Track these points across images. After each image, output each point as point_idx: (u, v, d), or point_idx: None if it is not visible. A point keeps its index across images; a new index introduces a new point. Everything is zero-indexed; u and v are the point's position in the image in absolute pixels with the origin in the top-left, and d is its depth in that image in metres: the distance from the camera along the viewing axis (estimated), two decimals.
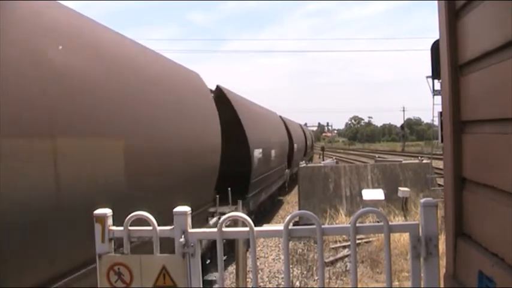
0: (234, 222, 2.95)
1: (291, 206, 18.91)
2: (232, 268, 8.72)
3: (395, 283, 7.15)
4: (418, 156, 20.95)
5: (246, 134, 11.73)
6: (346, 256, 9.69)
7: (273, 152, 15.60)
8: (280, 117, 22.79)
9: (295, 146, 24.34)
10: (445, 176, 2.49)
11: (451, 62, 2.32)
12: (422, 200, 2.39)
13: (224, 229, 2.45)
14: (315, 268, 9.11)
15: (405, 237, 7.37)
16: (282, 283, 8.46)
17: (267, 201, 16.22)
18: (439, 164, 16.88)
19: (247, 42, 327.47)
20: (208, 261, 8.14)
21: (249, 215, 3.46)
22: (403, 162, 15.85)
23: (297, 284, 8.47)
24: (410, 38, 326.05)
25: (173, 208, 2.47)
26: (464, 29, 2.22)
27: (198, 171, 7.31)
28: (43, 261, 3.42)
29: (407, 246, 2.86)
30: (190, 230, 2.47)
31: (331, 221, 12.21)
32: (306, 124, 62.38)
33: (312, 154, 44.34)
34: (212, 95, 10.19)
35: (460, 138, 2.29)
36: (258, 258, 9.66)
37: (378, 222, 2.54)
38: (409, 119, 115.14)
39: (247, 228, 2.43)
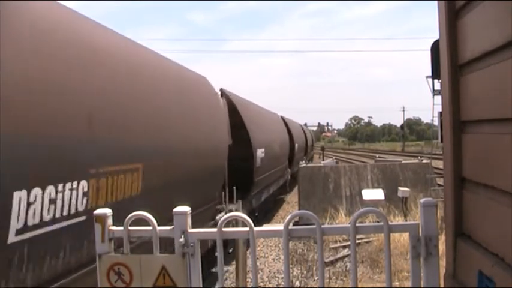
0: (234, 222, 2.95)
1: (291, 206, 18.90)
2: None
3: (396, 283, 7.16)
4: (418, 156, 20.94)
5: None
6: (346, 256, 9.69)
7: None
8: (223, 92, 11.25)
9: (260, 155, 12.66)
10: (445, 176, 2.49)
11: (451, 62, 2.32)
12: (422, 200, 2.39)
13: (224, 229, 2.46)
14: (315, 268, 9.11)
15: (405, 237, 7.37)
16: (282, 283, 8.46)
17: None
18: (439, 164, 16.87)
19: (247, 42, 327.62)
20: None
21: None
22: (403, 162, 15.85)
23: (297, 284, 8.47)
24: (410, 38, 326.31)
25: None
26: (464, 29, 2.22)
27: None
28: None
29: (408, 246, 2.86)
30: (190, 230, 2.47)
31: (331, 221, 12.21)
32: (305, 124, 62.29)
33: (311, 155, 44.03)
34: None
35: (460, 138, 2.29)
36: (258, 258, 9.65)
37: (378, 222, 2.54)
38: (409, 119, 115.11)
39: (247, 228, 2.43)
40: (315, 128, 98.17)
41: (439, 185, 13.83)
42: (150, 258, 2.45)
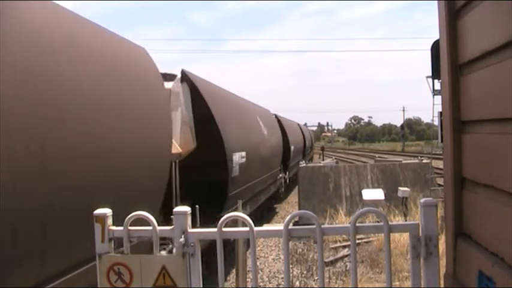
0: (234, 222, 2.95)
1: (291, 206, 18.90)
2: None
3: (396, 283, 7.16)
4: (418, 156, 20.93)
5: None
6: (346, 256, 9.69)
7: None
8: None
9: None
10: (445, 176, 2.49)
11: (451, 62, 2.32)
12: (422, 200, 2.39)
13: (224, 229, 2.45)
14: (315, 268, 9.11)
15: (405, 237, 7.37)
16: (282, 283, 8.46)
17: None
18: (439, 164, 16.86)
19: (247, 42, 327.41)
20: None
21: None
22: (403, 162, 15.85)
23: (297, 284, 8.46)
24: (410, 38, 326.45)
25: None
26: (464, 29, 2.22)
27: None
28: None
29: (407, 246, 2.87)
30: (190, 230, 2.47)
31: (331, 221, 12.20)
32: (305, 124, 62.26)
33: (312, 154, 44.06)
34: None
35: (460, 138, 2.29)
36: (258, 258, 9.66)
37: (378, 222, 2.54)
38: (409, 119, 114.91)
39: (247, 228, 2.43)
40: (315, 128, 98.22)
41: (439, 185, 13.83)
42: (150, 258, 2.45)
